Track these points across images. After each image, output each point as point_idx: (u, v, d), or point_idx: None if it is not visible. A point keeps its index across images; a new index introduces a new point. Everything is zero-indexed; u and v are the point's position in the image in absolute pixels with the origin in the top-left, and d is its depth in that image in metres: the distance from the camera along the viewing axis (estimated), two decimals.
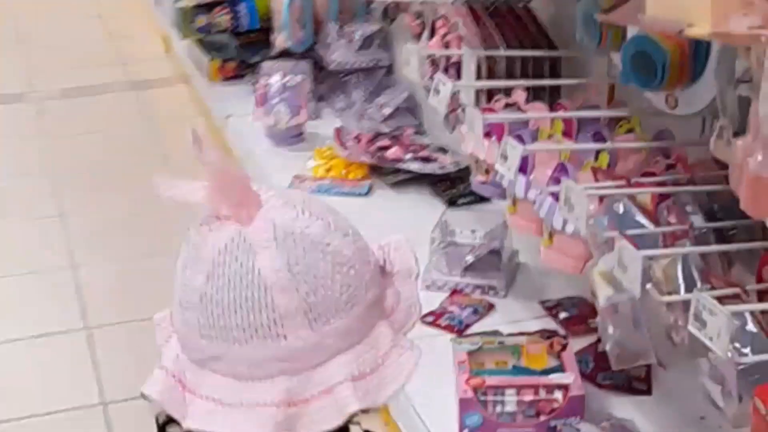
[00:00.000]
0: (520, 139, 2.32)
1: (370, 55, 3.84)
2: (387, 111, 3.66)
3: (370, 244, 1.35)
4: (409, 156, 3.41)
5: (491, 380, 2.40)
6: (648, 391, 2.48)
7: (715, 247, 1.78)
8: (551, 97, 2.68)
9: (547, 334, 2.56)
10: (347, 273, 1.24)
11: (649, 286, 1.65)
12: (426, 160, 3.38)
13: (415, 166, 3.38)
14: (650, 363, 2.05)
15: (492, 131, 2.47)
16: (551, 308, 2.80)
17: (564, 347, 2.49)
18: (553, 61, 2.71)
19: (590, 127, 2.47)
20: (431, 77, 2.62)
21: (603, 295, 1.88)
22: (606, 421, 2.33)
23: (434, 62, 2.90)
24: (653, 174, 2.20)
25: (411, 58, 2.45)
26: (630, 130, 2.42)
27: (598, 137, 2.40)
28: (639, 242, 1.89)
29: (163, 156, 4.01)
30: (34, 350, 3.09)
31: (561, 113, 2.28)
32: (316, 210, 1.26)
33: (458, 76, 2.70)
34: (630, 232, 1.84)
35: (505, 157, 2.05)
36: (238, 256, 1.22)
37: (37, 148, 4.27)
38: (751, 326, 1.66)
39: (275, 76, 3.73)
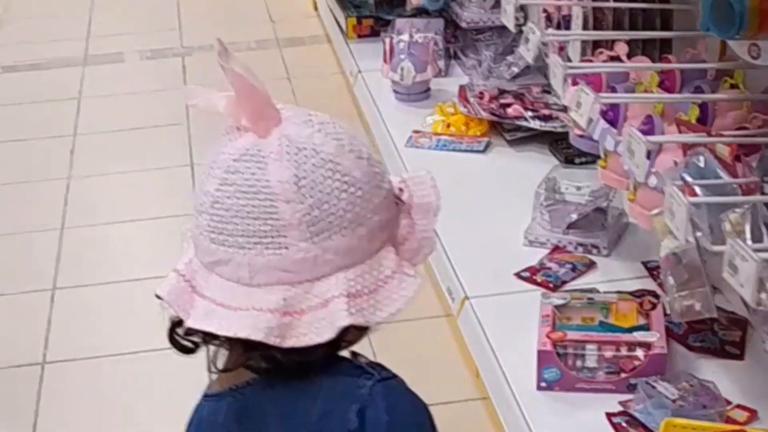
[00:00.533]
0: (613, 90, 2.28)
1: (498, 14, 3.79)
2: (515, 69, 3.63)
3: (393, 176, 1.37)
4: (529, 113, 3.37)
5: (573, 335, 2.37)
6: (740, 356, 2.40)
7: (762, 198, 1.70)
8: (662, 52, 2.61)
9: (640, 293, 2.51)
10: (354, 193, 1.27)
11: (699, 234, 1.60)
12: (547, 118, 3.34)
13: (535, 124, 3.35)
14: (712, 317, 1.97)
15: (590, 83, 2.43)
16: (654, 269, 2.73)
17: (654, 306, 2.44)
18: (666, 15, 2.63)
19: (694, 82, 2.40)
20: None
21: (663, 245, 1.82)
22: (686, 381, 2.27)
23: (549, 17, 2.87)
24: (744, 128, 2.13)
25: (507, 6, 2.42)
26: (734, 86, 2.34)
27: (699, 92, 2.33)
28: (714, 194, 1.85)
29: None
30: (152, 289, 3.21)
31: (647, 64, 2.21)
32: (333, 130, 1.29)
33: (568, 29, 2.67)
34: (694, 182, 1.78)
35: (579, 104, 2.01)
36: (250, 166, 1.26)
37: (179, 100, 4.40)
38: None
39: (404, 34, 3.75)
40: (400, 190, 1.36)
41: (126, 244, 3.53)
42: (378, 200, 1.30)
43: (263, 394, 1.35)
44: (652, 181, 1.92)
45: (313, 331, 1.26)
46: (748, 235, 1.76)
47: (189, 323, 1.30)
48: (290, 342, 1.26)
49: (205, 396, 1.39)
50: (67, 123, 4.32)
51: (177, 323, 1.35)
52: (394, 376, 1.34)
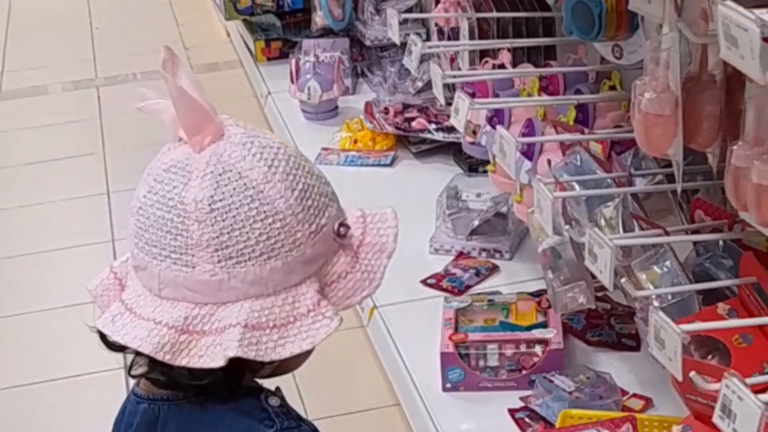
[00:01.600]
0: (497, 97, 2.36)
1: (406, 30, 3.88)
2: (420, 84, 3.70)
3: (352, 209, 1.34)
4: (433, 126, 3.45)
5: (474, 336, 2.44)
6: (637, 348, 2.48)
7: (628, 189, 1.79)
8: (546, 58, 2.71)
9: (539, 292, 2.59)
10: (271, 224, 1.25)
11: (567, 227, 1.68)
12: (450, 129, 3.41)
13: (439, 135, 3.43)
14: (590, 307, 2.06)
15: (477, 91, 2.52)
16: None
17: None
18: (548, 22, 2.72)
19: (576, 86, 2.49)
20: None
21: (541, 242, 1.90)
22: (583, 374, 2.35)
23: (441, 31, 2.96)
24: (619, 127, 2.22)
25: (392, 21, 2.50)
26: (612, 87, 2.43)
27: (579, 94, 2.42)
28: (590, 189, 1.93)
29: None
30: (73, 318, 3.23)
31: (527, 69, 2.30)
32: (270, 156, 1.26)
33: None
34: (570, 178, 1.87)
35: (457, 110, 2.09)
36: (174, 179, 1.26)
37: (97, 129, 4.45)
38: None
39: (310, 54, 3.82)
40: (347, 228, 1.30)
41: (47, 272, 3.54)
42: (302, 235, 1.26)
43: (172, 414, 1.35)
44: (524, 177, 2.00)
45: (207, 354, 1.24)
46: (620, 227, 1.85)
47: (97, 324, 1.31)
48: (182, 361, 1.25)
49: (133, 392, 1.39)
50: None
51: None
52: (298, 426, 1.31)
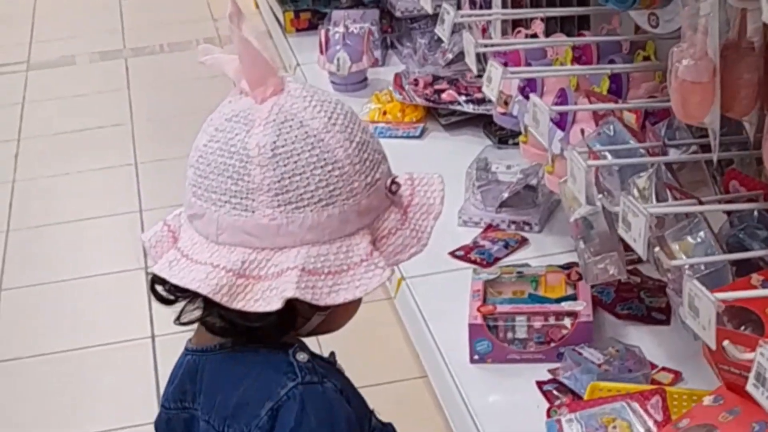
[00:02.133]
0: (529, 66, 2.34)
1: (438, 0, 3.85)
2: (450, 56, 3.68)
3: (400, 172, 1.39)
4: (463, 98, 3.43)
5: (502, 307, 2.43)
6: (667, 321, 2.46)
7: (662, 159, 1.77)
8: (580, 28, 2.68)
9: (568, 265, 2.57)
10: (330, 172, 1.29)
11: (600, 197, 1.66)
12: (480, 101, 3.39)
13: (469, 107, 3.40)
14: (620, 280, 2.04)
15: (509, 61, 2.49)
16: None
17: (581, 277, 2.50)
18: None
19: (609, 56, 2.46)
20: None
21: (573, 211, 1.88)
22: (612, 347, 2.33)
23: (473, 1, 2.93)
24: (654, 97, 2.19)
25: None
26: (646, 58, 2.40)
27: (612, 64, 2.39)
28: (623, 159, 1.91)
29: None
30: (105, 285, 3.24)
31: (560, 39, 2.27)
32: (330, 109, 1.32)
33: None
34: (602, 148, 1.84)
35: (489, 79, 2.07)
36: (236, 127, 1.30)
37: (125, 100, 4.45)
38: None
39: (339, 25, 3.81)
40: (398, 185, 1.35)
41: (73, 243, 3.56)
42: (359, 185, 1.31)
43: (209, 363, 1.39)
44: (556, 147, 1.98)
45: (264, 298, 1.28)
46: (654, 197, 1.83)
47: (154, 269, 1.35)
48: (238, 304, 1.28)
49: (185, 348, 1.44)
50: (11, 127, 4.34)
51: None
52: (321, 382, 1.33)
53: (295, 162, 1.28)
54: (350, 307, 1.38)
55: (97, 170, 3.99)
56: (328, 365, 1.41)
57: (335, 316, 1.39)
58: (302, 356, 1.35)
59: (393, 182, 1.35)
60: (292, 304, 1.29)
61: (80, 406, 2.84)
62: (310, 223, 1.29)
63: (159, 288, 1.37)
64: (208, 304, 1.32)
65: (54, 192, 3.89)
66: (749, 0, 1.46)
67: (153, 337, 2.93)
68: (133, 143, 4.09)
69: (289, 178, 1.28)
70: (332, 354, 1.47)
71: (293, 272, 1.27)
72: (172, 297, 1.37)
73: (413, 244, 1.35)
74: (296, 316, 1.33)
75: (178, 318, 1.38)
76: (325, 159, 1.28)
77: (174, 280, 1.32)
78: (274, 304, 1.27)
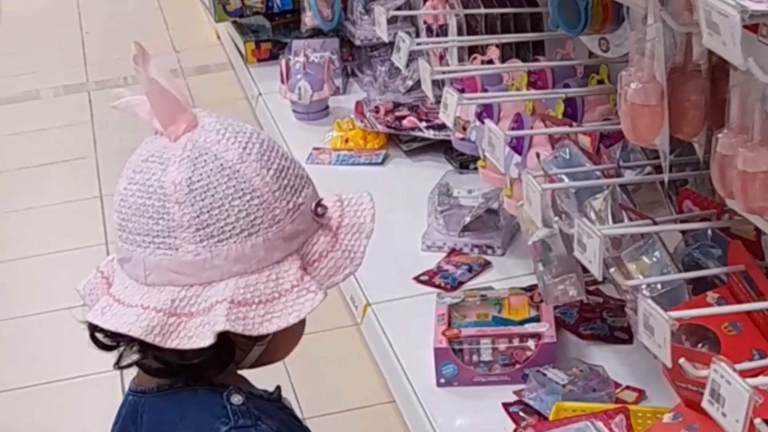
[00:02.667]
0: (486, 92, 2.37)
1: (395, 28, 3.89)
2: (410, 83, 3.71)
3: (328, 194, 1.39)
4: (424, 124, 3.46)
5: (467, 331, 2.45)
6: (629, 341, 2.49)
7: (617, 180, 1.80)
8: (535, 53, 2.72)
9: (531, 287, 2.60)
10: (249, 201, 1.29)
11: (556, 219, 1.68)
12: (441, 127, 3.42)
13: (430, 133, 3.44)
14: (582, 301, 2.07)
15: (466, 87, 2.52)
16: None
17: None
18: (536, 18, 2.73)
19: (564, 80, 2.50)
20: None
21: (529, 234, 1.91)
22: (576, 367, 2.36)
23: (429, 28, 2.97)
24: (608, 120, 2.23)
25: (380, 19, 2.52)
26: (601, 81, 2.44)
27: (567, 88, 2.43)
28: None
29: None
30: (66, 322, 3.23)
31: (514, 65, 2.31)
32: (245, 139, 1.32)
33: None
34: (558, 171, 1.87)
35: (446, 106, 2.10)
36: (153, 167, 1.30)
37: (89, 133, 4.46)
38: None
39: (300, 55, 3.84)
40: (324, 208, 1.35)
41: (40, 277, 3.55)
42: (281, 212, 1.31)
43: (148, 406, 1.38)
44: (514, 172, 2.01)
45: (197, 334, 1.27)
46: (610, 218, 1.86)
47: (87, 317, 1.35)
48: (173, 343, 1.28)
49: (129, 387, 1.43)
50: None
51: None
52: (254, 425, 1.33)
53: (213, 195, 1.28)
54: (291, 336, 1.38)
55: (62, 204, 3.98)
56: (268, 404, 1.40)
57: (276, 346, 1.39)
58: (237, 398, 1.34)
59: (318, 205, 1.35)
60: (227, 338, 1.28)
61: None
62: (234, 254, 1.29)
63: (99, 335, 1.36)
64: (144, 346, 1.32)
65: (19, 226, 3.88)
66: (693, 24, 1.49)
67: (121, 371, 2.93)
68: (98, 176, 4.09)
69: (208, 212, 1.28)
70: (278, 388, 1.45)
71: (222, 305, 1.27)
72: (114, 343, 1.36)
73: (346, 265, 1.35)
74: (233, 350, 1.33)
75: (117, 362, 1.37)
76: (242, 189, 1.29)
77: (107, 326, 1.32)
78: (207, 339, 1.26)
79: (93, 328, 1.37)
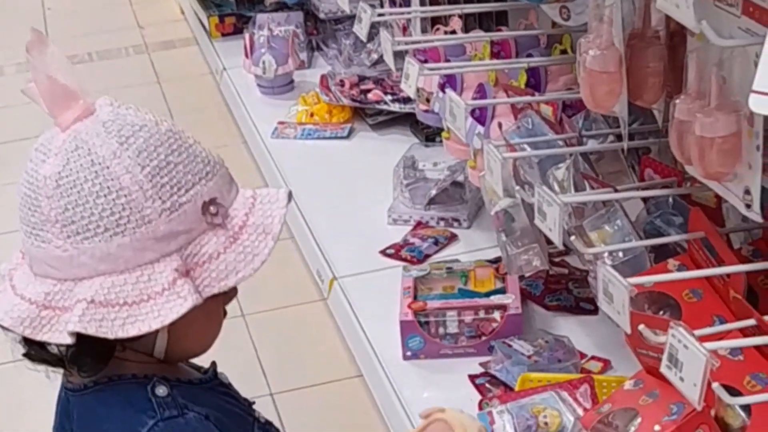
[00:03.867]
0: (448, 62, 2.36)
1: (357, 2, 3.86)
2: (375, 56, 3.69)
3: (246, 189, 1.33)
4: (389, 97, 3.45)
5: (433, 303, 2.45)
6: (595, 311, 2.48)
7: (578, 149, 1.80)
8: (498, 23, 2.71)
9: (497, 259, 2.59)
10: (115, 200, 1.25)
11: (518, 188, 1.68)
12: (407, 100, 3.40)
13: (395, 106, 3.42)
14: (547, 272, 2.06)
15: (429, 58, 2.51)
16: None
17: None
18: None
19: (528, 50, 2.49)
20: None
21: (492, 204, 1.90)
22: (541, 338, 2.36)
23: (393, 0, 2.95)
24: (570, 89, 2.22)
25: None
26: (564, 51, 2.43)
27: (530, 58, 2.42)
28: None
29: (168, 115, 4.10)
30: None
31: (476, 35, 2.30)
32: (127, 133, 1.27)
33: None
34: (519, 140, 1.86)
35: (407, 76, 2.08)
36: (36, 157, 1.28)
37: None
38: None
39: (264, 29, 3.81)
40: (218, 206, 1.29)
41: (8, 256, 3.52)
42: (152, 212, 1.26)
43: (77, 404, 1.37)
44: (477, 143, 2.00)
45: (58, 330, 1.26)
46: (572, 188, 1.85)
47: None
48: (44, 336, 1.26)
49: (62, 383, 1.41)
50: None
51: None
52: (182, 414, 1.30)
53: (78, 192, 1.25)
54: (204, 329, 1.36)
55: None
56: (197, 388, 1.37)
57: (187, 339, 1.35)
58: (161, 390, 1.32)
59: (210, 204, 1.29)
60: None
61: (19, 418, 2.81)
62: (99, 253, 1.26)
63: None
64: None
65: None
66: None
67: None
68: None
69: (73, 208, 1.25)
70: (212, 364, 1.43)
71: (80, 305, 1.25)
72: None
73: (240, 269, 1.28)
74: (112, 347, 1.29)
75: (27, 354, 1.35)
76: (108, 187, 1.25)
77: None
78: (60, 339, 1.25)
79: None
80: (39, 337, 1.26)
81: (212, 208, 1.29)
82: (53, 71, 1.28)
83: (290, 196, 1.35)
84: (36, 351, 1.32)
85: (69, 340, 1.24)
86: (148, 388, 1.32)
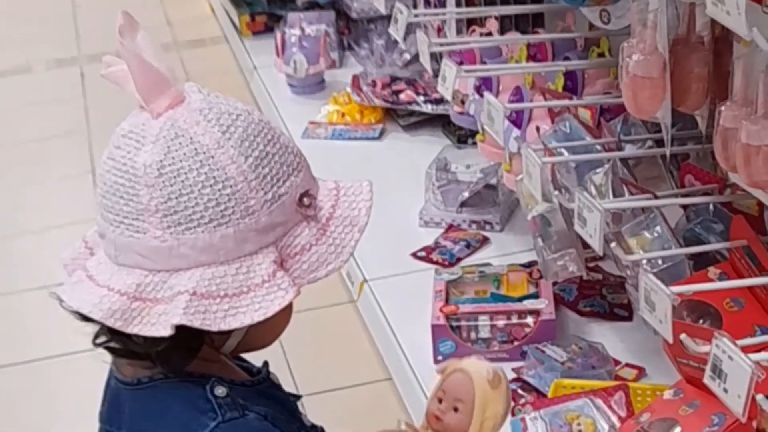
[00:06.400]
0: (484, 65, 2.34)
1: (393, 1, 3.84)
2: (407, 56, 3.67)
3: (327, 181, 1.31)
4: (421, 98, 3.43)
5: (465, 307, 2.43)
6: (629, 318, 2.47)
7: (617, 154, 1.78)
8: (534, 26, 2.68)
9: (530, 263, 2.57)
10: (220, 190, 1.22)
11: (556, 193, 1.66)
12: (439, 101, 3.39)
13: (427, 108, 3.40)
14: (581, 277, 2.04)
15: (464, 60, 2.49)
16: None
17: (542, 275, 2.50)
18: None
19: (564, 53, 2.47)
20: None
21: (532, 209, 1.88)
22: (575, 344, 2.34)
23: (428, 0, 2.93)
24: (608, 94, 2.20)
25: None
26: (601, 54, 2.41)
27: (567, 61, 2.39)
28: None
29: None
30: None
31: (513, 37, 2.28)
32: (227, 122, 1.24)
33: None
34: (557, 144, 1.84)
35: (444, 78, 2.07)
36: (129, 144, 1.24)
37: (81, 107, 4.42)
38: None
39: (295, 28, 3.80)
40: (312, 198, 1.27)
41: (33, 253, 3.52)
42: (256, 203, 1.23)
43: (129, 399, 1.33)
44: (513, 146, 1.98)
45: (159, 322, 1.22)
46: (610, 193, 1.83)
47: (58, 290, 1.30)
48: (135, 329, 1.23)
49: (112, 372, 1.37)
50: None
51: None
52: (243, 415, 1.27)
53: (183, 181, 1.21)
54: (275, 324, 1.31)
55: (54, 179, 3.95)
56: (251, 390, 1.34)
57: (260, 333, 1.32)
58: (220, 390, 1.29)
59: (305, 195, 1.27)
60: (196, 329, 1.22)
61: (44, 415, 2.81)
62: (202, 244, 1.22)
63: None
64: (109, 328, 1.26)
65: (12, 201, 3.85)
66: None
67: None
68: (90, 151, 4.06)
69: (176, 198, 1.21)
70: (265, 364, 1.41)
71: (183, 297, 1.21)
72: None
73: (331, 260, 1.26)
74: (201, 342, 1.27)
75: (94, 339, 1.32)
76: (214, 177, 1.22)
77: (71, 304, 1.27)
78: (162, 331, 1.21)
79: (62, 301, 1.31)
80: (130, 330, 1.23)
81: (306, 200, 1.27)
82: (147, 56, 1.25)
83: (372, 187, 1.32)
84: (120, 343, 1.28)
85: (165, 332, 1.21)
86: (207, 387, 1.29)
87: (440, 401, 1.51)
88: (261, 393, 1.36)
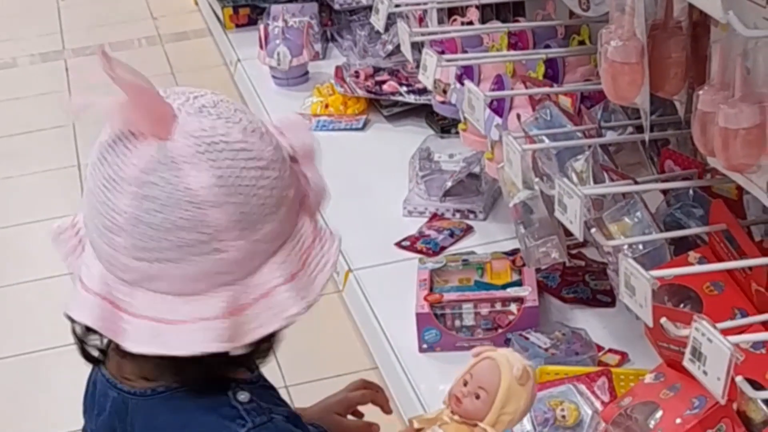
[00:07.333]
0: (465, 53, 2.34)
1: None
2: (390, 47, 3.68)
3: (267, 124, 1.25)
4: (404, 88, 3.44)
5: (449, 295, 2.44)
6: (612, 303, 2.48)
7: (597, 140, 1.78)
8: (515, 14, 2.69)
9: (513, 251, 2.58)
10: (269, 176, 1.19)
11: (537, 180, 1.66)
12: (422, 92, 3.40)
13: (411, 98, 3.41)
14: (564, 264, 2.05)
15: (445, 49, 2.50)
16: None
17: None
18: None
19: (545, 41, 2.48)
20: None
21: (513, 196, 1.89)
22: (558, 331, 2.35)
23: None
24: (589, 81, 2.21)
25: None
26: (582, 42, 2.42)
27: (548, 49, 2.40)
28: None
29: None
30: (50, 289, 3.21)
31: (493, 26, 2.28)
32: (227, 112, 1.19)
33: None
34: (537, 132, 1.85)
35: (425, 67, 2.07)
36: (165, 176, 1.15)
37: (66, 101, 4.40)
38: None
39: (278, 20, 3.80)
40: (288, 144, 1.24)
41: (17, 247, 3.52)
42: (287, 172, 1.22)
43: (140, 409, 1.28)
44: (494, 134, 1.99)
45: (262, 323, 1.20)
46: (591, 179, 1.84)
47: (129, 347, 1.21)
48: (244, 339, 1.19)
49: (107, 380, 1.31)
50: None
51: (84, 334, 1.28)
52: (270, 419, 1.24)
53: (245, 185, 1.17)
54: None
55: (40, 173, 3.95)
56: (257, 386, 1.30)
57: None
58: (243, 396, 1.25)
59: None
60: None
61: (35, 409, 2.81)
62: (272, 234, 1.20)
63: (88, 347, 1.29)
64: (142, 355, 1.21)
65: None
66: None
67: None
68: (75, 145, 4.05)
69: (247, 203, 1.17)
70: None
71: (280, 289, 1.19)
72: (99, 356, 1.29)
73: (321, 193, 1.28)
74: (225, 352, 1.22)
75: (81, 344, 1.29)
76: (261, 166, 1.18)
77: (172, 352, 1.19)
78: (276, 325, 1.20)
79: (82, 342, 1.28)
80: (241, 342, 1.19)
81: (291, 150, 1.26)
82: (135, 80, 1.17)
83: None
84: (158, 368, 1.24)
85: (274, 328, 1.21)
86: (229, 393, 1.25)
87: (465, 384, 1.51)
88: (266, 389, 1.32)
